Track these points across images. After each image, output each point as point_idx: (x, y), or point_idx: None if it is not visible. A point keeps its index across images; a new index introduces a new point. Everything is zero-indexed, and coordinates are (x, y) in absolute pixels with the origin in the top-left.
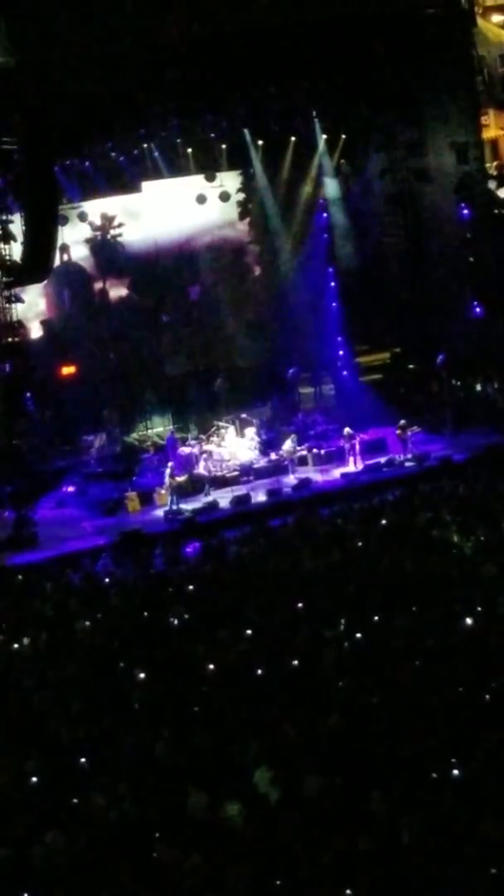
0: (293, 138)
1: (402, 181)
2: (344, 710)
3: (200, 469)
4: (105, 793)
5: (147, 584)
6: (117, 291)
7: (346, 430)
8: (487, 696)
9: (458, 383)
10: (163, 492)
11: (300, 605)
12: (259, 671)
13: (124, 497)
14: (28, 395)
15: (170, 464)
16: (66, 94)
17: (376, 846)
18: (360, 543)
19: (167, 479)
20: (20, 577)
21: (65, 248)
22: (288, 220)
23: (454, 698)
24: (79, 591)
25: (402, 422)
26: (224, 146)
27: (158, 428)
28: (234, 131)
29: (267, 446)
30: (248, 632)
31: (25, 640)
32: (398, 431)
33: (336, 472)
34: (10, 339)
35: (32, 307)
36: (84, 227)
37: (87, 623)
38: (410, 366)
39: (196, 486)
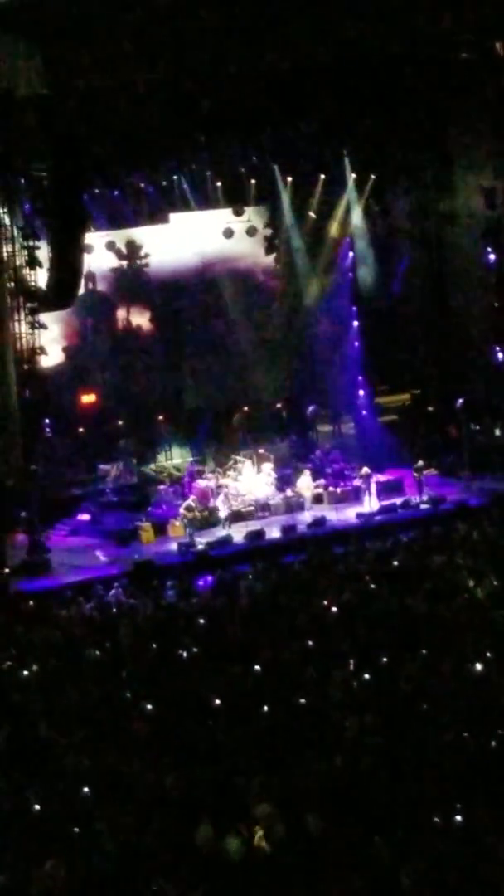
0: (322, 176)
1: (429, 223)
2: (349, 751)
3: (216, 503)
4: (107, 823)
5: (158, 616)
6: (140, 321)
7: (364, 469)
8: (493, 743)
9: (477, 427)
10: (177, 524)
11: (310, 643)
12: (266, 707)
13: (138, 527)
14: (47, 421)
15: (192, 497)
16: (97, 123)
17: (375, 891)
18: (372, 584)
19: (182, 511)
20: (31, 602)
21: (90, 277)
22: (314, 257)
23: (460, 744)
24: (89, 620)
25: (419, 463)
26: (253, 181)
27: (176, 460)
28: (264, 166)
29: (283, 483)
30: (257, 668)
31: (34, 667)
32: (414, 473)
33: (351, 512)
34: (31, 365)
35: (55, 334)
36: (110, 256)
37: (97, 652)
38: (430, 408)
39: (211, 519)
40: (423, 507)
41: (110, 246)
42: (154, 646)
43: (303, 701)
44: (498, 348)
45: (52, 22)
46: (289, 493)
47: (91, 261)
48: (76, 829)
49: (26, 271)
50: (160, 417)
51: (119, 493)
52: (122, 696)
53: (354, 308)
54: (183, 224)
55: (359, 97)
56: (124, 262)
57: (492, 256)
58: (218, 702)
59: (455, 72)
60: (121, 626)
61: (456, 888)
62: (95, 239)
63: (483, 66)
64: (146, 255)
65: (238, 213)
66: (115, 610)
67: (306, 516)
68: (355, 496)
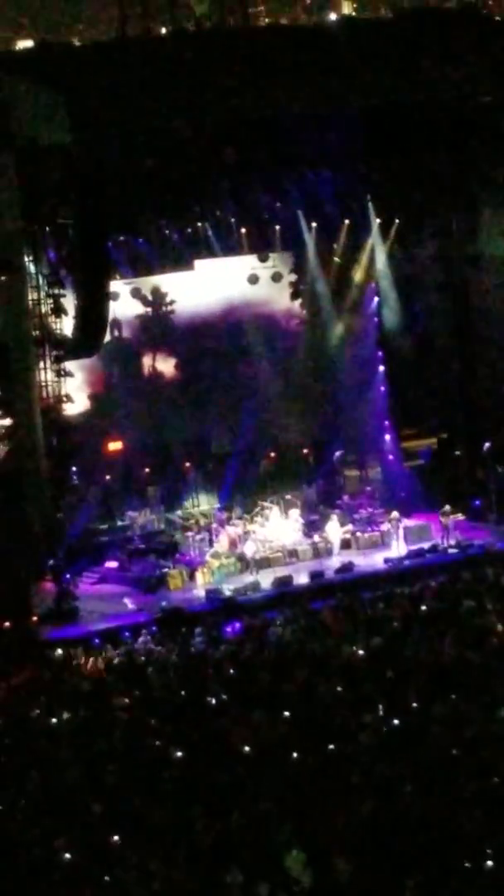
0: (347, 221)
1: (454, 267)
2: (379, 796)
3: (244, 549)
4: (136, 871)
5: (186, 663)
6: (166, 368)
7: (394, 513)
8: None
9: None
10: (205, 570)
11: (338, 688)
12: (295, 754)
13: (166, 574)
14: (74, 469)
15: (220, 540)
16: (121, 171)
17: None
18: (401, 629)
19: (209, 558)
20: (59, 650)
21: (116, 324)
22: (339, 301)
23: (489, 789)
24: (117, 668)
25: (446, 507)
26: (278, 227)
27: (203, 506)
28: (288, 212)
29: (311, 528)
30: (285, 714)
31: (64, 715)
32: (441, 518)
33: (379, 557)
34: (57, 413)
35: (81, 382)
36: (136, 303)
37: (125, 700)
38: (457, 452)
39: (239, 566)
40: (451, 551)
41: (136, 293)
42: (182, 693)
43: (332, 747)
44: None
45: (75, 71)
46: (316, 538)
47: (116, 308)
48: (106, 878)
49: (52, 319)
50: (187, 464)
51: (147, 540)
52: (151, 744)
53: (380, 353)
54: (208, 270)
55: (382, 142)
56: (150, 309)
57: None
58: (247, 749)
59: (477, 114)
60: (149, 674)
61: None
62: (121, 286)
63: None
64: (171, 302)
65: (263, 259)
66: (143, 657)
67: (334, 562)
68: (383, 541)
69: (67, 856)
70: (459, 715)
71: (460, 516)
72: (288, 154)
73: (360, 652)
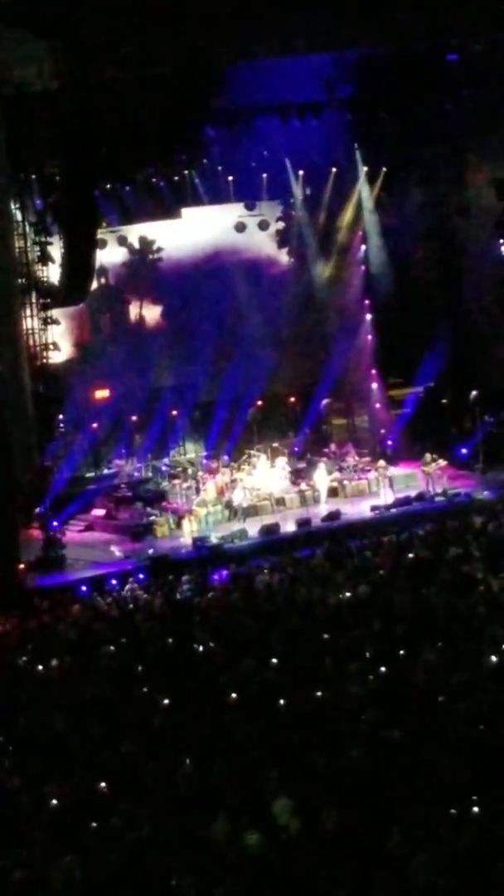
0: (334, 169)
1: (441, 215)
2: (366, 744)
3: (231, 497)
4: (124, 817)
5: (173, 611)
6: (153, 316)
7: (380, 462)
8: None
9: (491, 419)
10: (192, 518)
11: (326, 636)
12: (282, 701)
13: (153, 522)
14: (61, 417)
15: (207, 488)
16: (108, 119)
17: (392, 883)
18: (388, 577)
19: (196, 507)
20: (46, 598)
21: (102, 272)
22: (326, 250)
23: (477, 735)
24: (105, 615)
25: (427, 457)
26: (265, 175)
27: (190, 454)
28: (276, 160)
29: (298, 476)
30: (273, 661)
31: (50, 662)
32: (423, 467)
33: (366, 505)
34: (44, 361)
35: (68, 329)
36: (122, 251)
37: (112, 647)
38: (443, 400)
39: (226, 513)
40: (438, 499)
41: (122, 241)
42: (170, 640)
43: (319, 694)
44: None
45: (62, 18)
46: (303, 486)
47: (103, 256)
48: (93, 824)
49: (38, 267)
50: (174, 412)
51: (133, 488)
52: (139, 691)
53: (367, 301)
54: (195, 219)
55: (369, 89)
56: (136, 257)
57: (503, 248)
58: (234, 696)
59: (467, 64)
60: (136, 621)
61: (472, 879)
62: (107, 234)
63: (493, 56)
64: (158, 250)
65: (250, 207)
66: (130, 605)
67: (321, 510)
68: (370, 489)
69: (55, 802)
70: (446, 662)
71: (442, 462)
72: (274, 101)
73: (348, 600)
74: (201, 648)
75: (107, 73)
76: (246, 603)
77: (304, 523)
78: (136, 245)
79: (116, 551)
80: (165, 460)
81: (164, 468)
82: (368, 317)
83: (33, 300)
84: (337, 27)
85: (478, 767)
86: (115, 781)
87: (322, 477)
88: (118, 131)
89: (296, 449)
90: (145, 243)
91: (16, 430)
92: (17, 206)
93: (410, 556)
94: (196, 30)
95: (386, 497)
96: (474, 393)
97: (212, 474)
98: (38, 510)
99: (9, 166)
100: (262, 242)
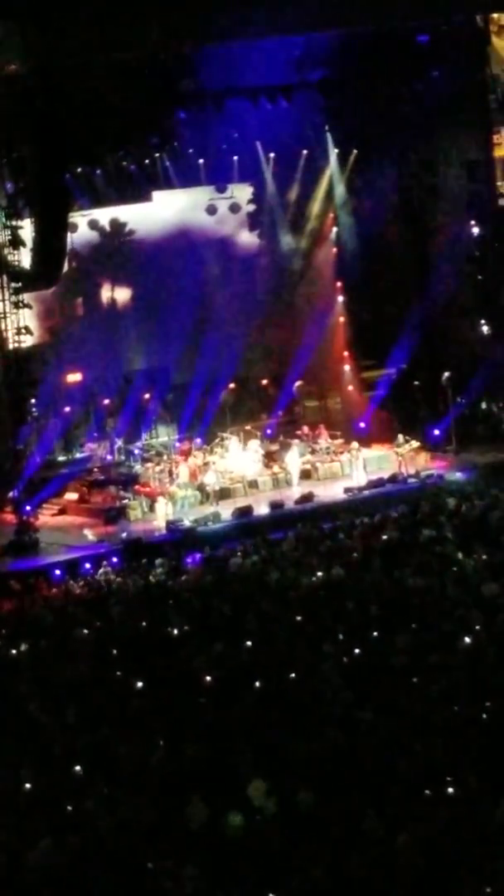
0: (305, 151)
1: (412, 198)
2: (340, 726)
3: (204, 480)
4: (100, 801)
5: (147, 594)
6: (125, 299)
7: (353, 444)
8: (484, 715)
9: (463, 401)
10: (165, 501)
11: (299, 618)
12: (257, 684)
13: (126, 506)
14: (33, 401)
15: (178, 471)
16: (78, 102)
17: (369, 863)
18: (361, 559)
19: (170, 489)
20: (20, 582)
21: (74, 255)
22: (297, 233)
23: (451, 716)
24: (78, 599)
25: (399, 439)
26: (236, 158)
27: (163, 437)
28: (247, 143)
29: (270, 459)
30: (247, 644)
31: (23, 646)
32: (396, 449)
33: (339, 487)
34: (16, 345)
35: (39, 313)
36: (94, 235)
37: (86, 631)
38: (416, 382)
39: (199, 496)
40: (411, 481)
41: (93, 224)
42: (144, 623)
43: (293, 676)
44: (483, 321)
45: (32, 1)
46: (276, 469)
47: (74, 239)
48: (69, 808)
49: (9, 251)
50: (146, 395)
51: (106, 471)
52: (113, 675)
53: (339, 283)
54: (166, 202)
55: (340, 72)
56: (108, 241)
57: (475, 230)
58: (208, 678)
59: (437, 45)
60: (110, 605)
61: (448, 858)
62: (78, 218)
63: (464, 38)
64: (130, 233)
65: (221, 190)
66: (104, 588)
67: (294, 492)
68: (343, 472)
69: (30, 786)
70: (420, 643)
71: (415, 444)
72: (245, 83)
73: (321, 582)
74: (175, 631)
75: (76, 56)
76: (220, 586)
77: (277, 506)
78: (108, 228)
79: (90, 535)
80: (138, 444)
81: (136, 452)
82: (340, 299)
83: (4, 284)
84: (307, 9)
85: (452, 748)
86: (91, 765)
87: (295, 459)
88: (88, 115)
89: (268, 431)
90: (116, 226)
91: None
92: None
93: (384, 537)
94: (166, 12)
95: (359, 479)
96: (447, 375)
97: (184, 457)
98: (10, 494)
99: None
100: (233, 225)
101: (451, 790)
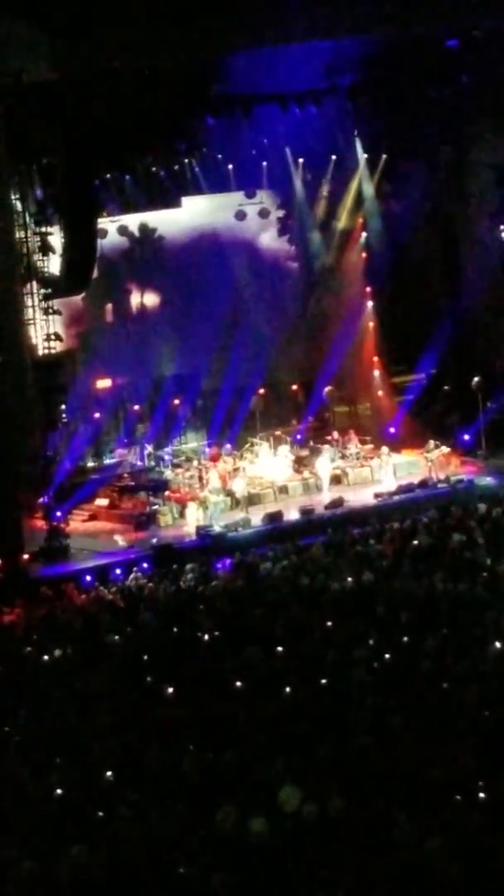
0: (334, 157)
1: (441, 202)
2: (371, 731)
3: (234, 486)
4: (129, 807)
5: (177, 599)
6: (154, 305)
7: (383, 448)
8: None
9: (494, 406)
10: (195, 507)
11: (330, 623)
12: (287, 689)
13: (157, 511)
14: (63, 407)
15: (210, 477)
16: (107, 108)
17: (399, 869)
18: (391, 564)
19: (201, 495)
20: (51, 588)
21: (103, 261)
22: (327, 238)
23: (481, 721)
24: (109, 605)
25: (430, 444)
26: (265, 163)
27: (192, 443)
28: (276, 149)
29: (300, 464)
30: (278, 649)
31: (56, 652)
32: (426, 454)
33: (369, 492)
34: (46, 352)
35: (70, 319)
36: (123, 241)
37: (117, 637)
38: (446, 387)
39: (229, 502)
40: (441, 486)
41: (123, 230)
42: (174, 629)
43: (324, 682)
44: None
45: (60, 7)
46: (306, 474)
47: (104, 245)
48: (100, 814)
49: (39, 257)
50: (176, 401)
51: (136, 477)
52: (143, 680)
53: (368, 288)
54: (196, 207)
55: (369, 76)
56: (137, 246)
57: None
58: (239, 684)
59: (466, 50)
60: (141, 611)
61: (479, 864)
62: (108, 224)
63: (492, 42)
64: (159, 239)
65: (250, 195)
66: (134, 594)
67: (324, 497)
68: (373, 477)
69: (60, 792)
70: (450, 649)
71: (445, 449)
72: (274, 89)
73: (351, 587)
74: (205, 637)
75: (105, 62)
76: (250, 591)
77: (307, 511)
78: (137, 234)
79: (120, 541)
80: (168, 449)
81: (166, 457)
82: (370, 304)
83: (34, 290)
84: (337, 14)
85: (482, 754)
86: (121, 771)
87: (325, 465)
88: (118, 121)
89: (298, 437)
90: (146, 232)
91: (18, 420)
92: (17, 196)
93: (414, 542)
94: (195, 18)
95: (389, 484)
96: (476, 379)
97: (213, 462)
98: (41, 500)
99: (8, 157)
100: (262, 231)
101: (482, 795)
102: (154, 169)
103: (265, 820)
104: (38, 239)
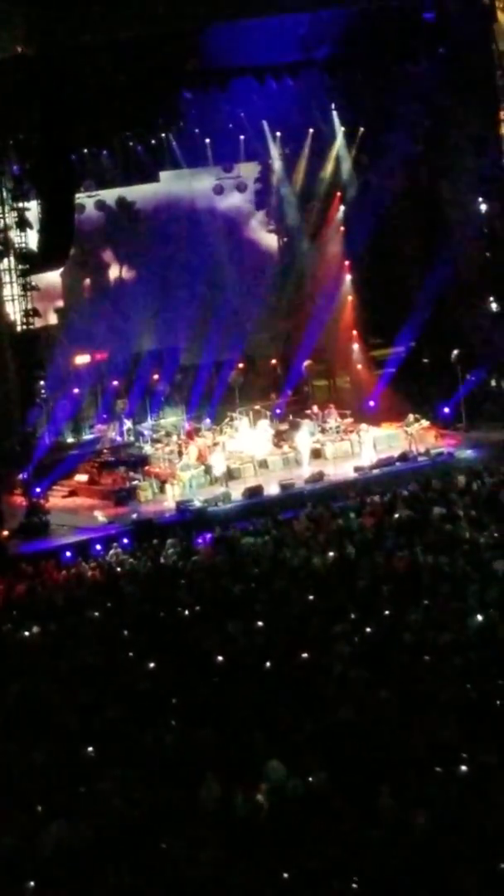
0: (311, 130)
1: (419, 175)
2: (353, 704)
3: (214, 460)
4: (112, 782)
5: (158, 575)
6: (132, 280)
7: (363, 425)
8: (496, 692)
9: (473, 378)
10: (175, 482)
11: (311, 598)
12: (268, 664)
13: (136, 487)
14: (42, 383)
15: (187, 452)
16: (84, 83)
17: (383, 840)
18: (372, 537)
19: (179, 470)
20: (31, 564)
21: (81, 236)
22: (305, 211)
23: (463, 694)
24: (89, 581)
25: (409, 417)
26: (242, 137)
27: (171, 418)
28: (253, 122)
29: (280, 438)
30: (259, 624)
31: (35, 629)
32: (405, 428)
33: (349, 466)
34: (24, 328)
35: (47, 295)
36: (101, 215)
37: (97, 612)
38: (425, 360)
39: (209, 477)
40: (421, 459)
41: (100, 205)
42: (155, 604)
43: (305, 655)
44: (492, 298)
45: None
46: (286, 448)
47: (81, 220)
48: (82, 789)
49: (16, 233)
50: (155, 376)
51: (116, 452)
52: (124, 655)
53: (346, 262)
54: (173, 182)
55: (346, 49)
56: (115, 221)
57: (483, 207)
58: (220, 659)
59: (443, 22)
60: (121, 586)
61: (461, 835)
62: (85, 199)
63: (470, 15)
64: (137, 214)
65: (228, 169)
66: (115, 569)
67: (304, 472)
68: (353, 450)
69: (42, 768)
70: (432, 621)
71: (425, 423)
72: (250, 61)
73: (332, 561)
74: (186, 612)
75: (80, 36)
76: (231, 566)
77: (287, 485)
78: (115, 208)
79: (100, 516)
80: (147, 424)
81: (146, 433)
82: (348, 277)
83: (12, 266)
84: None
85: (465, 726)
86: (103, 746)
87: (304, 439)
88: (94, 95)
89: (277, 411)
90: (123, 206)
91: None
92: None
93: (395, 516)
94: None
95: (369, 458)
96: (456, 352)
97: (189, 437)
98: (20, 476)
99: None
100: (240, 204)
101: (464, 768)
102: (131, 143)
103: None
104: (16, 214)
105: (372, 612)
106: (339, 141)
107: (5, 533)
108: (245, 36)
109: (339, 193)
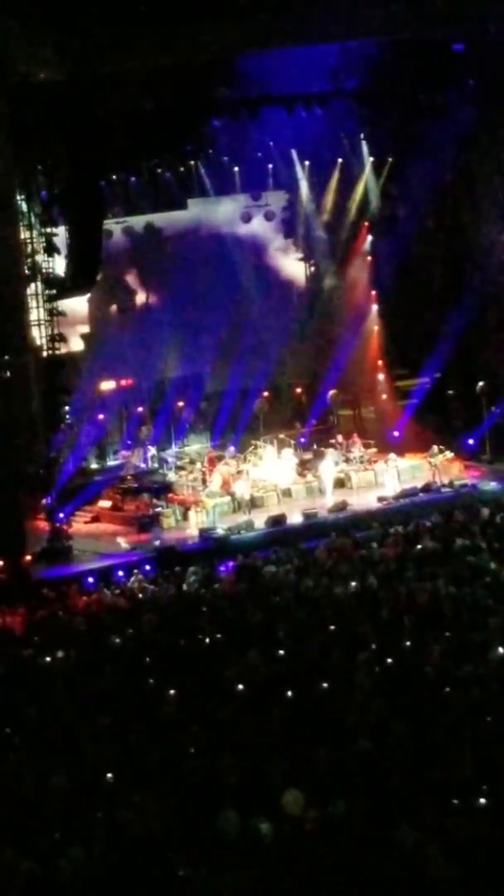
0: (340, 160)
1: (447, 206)
2: (373, 736)
3: (237, 488)
4: (131, 808)
5: (180, 602)
6: (159, 307)
7: (391, 455)
8: None
9: (498, 410)
10: (198, 509)
11: (332, 627)
12: (289, 693)
13: (159, 514)
14: (66, 408)
15: (213, 479)
16: (113, 110)
17: (401, 873)
18: (395, 568)
19: (203, 497)
20: (53, 590)
21: (108, 262)
22: (332, 241)
23: (483, 726)
24: (111, 607)
25: (434, 449)
26: (270, 166)
27: (196, 445)
28: (281, 151)
29: (304, 467)
30: (280, 653)
31: (57, 654)
32: (429, 459)
33: (372, 496)
34: (50, 353)
35: (74, 321)
36: (128, 242)
37: (119, 639)
38: (450, 391)
39: (233, 505)
40: (445, 490)
41: (128, 231)
42: (176, 632)
43: (326, 685)
44: None
45: (67, 8)
46: (310, 477)
47: (109, 246)
48: (101, 815)
49: (44, 258)
50: (180, 403)
51: (139, 479)
52: (145, 683)
53: (373, 292)
54: (201, 209)
55: (376, 80)
56: (142, 248)
57: None
58: (241, 687)
59: (473, 53)
60: (143, 613)
61: (479, 869)
62: (113, 225)
63: (500, 47)
64: (164, 241)
65: (256, 198)
66: (137, 596)
67: (328, 501)
68: (376, 480)
69: (62, 794)
70: (453, 653)
71: (449, 454)
72: (280, 91)
73: (354, 591)
74: (208, 640)
75: (111, 63)
76: (253, 594)
77: (310, 514)
78: (142, 235)
79: (123, 543)
80: (171, 451)
81: (170, 459)
82: (375, 307)
83: (39, 291)
84: (342, 17)
85: (484, 759)
86: (123, 773)
87: (328, 468)
88: (124, 122)
89: (302, 440)
90: (151, 233)
91: (22, 421)
92: (23, 196)
93: (417, 547)
94: (202, 20)
95: (392, 488)
96: (481, 384)
97: (212, 464)
98: (44, 502)
99: (14, 157)
100: (267, 232)
101: (482, 801)
102: (160, 170)
103: (270, 823)
104: (44, 239)
105: (393, 643)
106: (368, 170)
107: (28, 557)
108: (274, 65)
109: (366, 223)
